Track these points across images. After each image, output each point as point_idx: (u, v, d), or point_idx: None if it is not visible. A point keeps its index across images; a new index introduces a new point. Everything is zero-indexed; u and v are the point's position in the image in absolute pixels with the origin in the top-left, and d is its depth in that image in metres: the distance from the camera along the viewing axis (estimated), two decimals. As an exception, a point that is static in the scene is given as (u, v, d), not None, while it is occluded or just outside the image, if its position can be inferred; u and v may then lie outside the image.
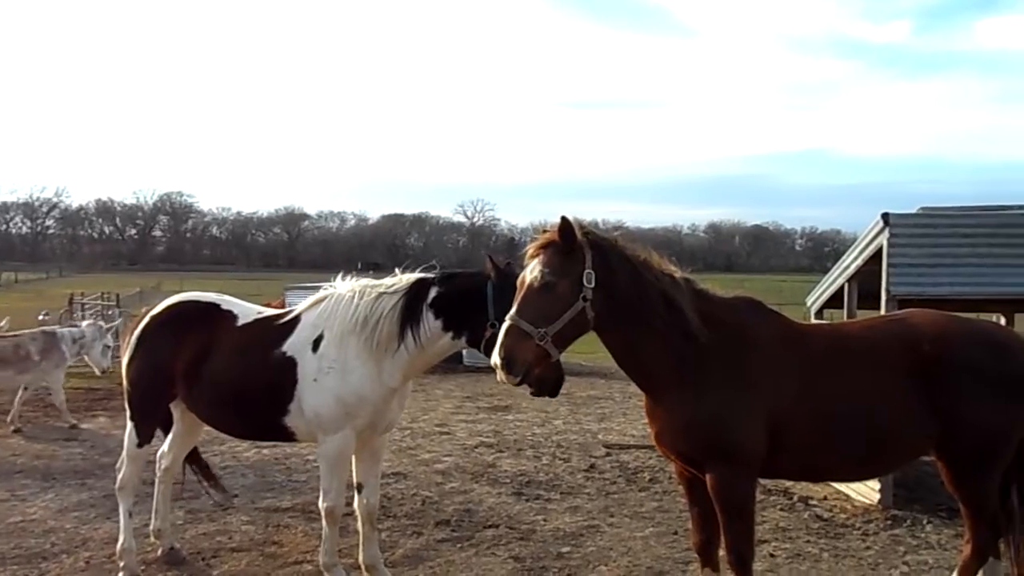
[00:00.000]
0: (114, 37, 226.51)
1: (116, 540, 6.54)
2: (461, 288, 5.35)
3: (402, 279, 5.54)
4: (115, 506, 7.51)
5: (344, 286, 5.67)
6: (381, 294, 5.44)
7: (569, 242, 4.32)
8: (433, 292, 5.37)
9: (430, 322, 5.32)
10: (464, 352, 15.81)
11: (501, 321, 4.91)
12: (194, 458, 6.66)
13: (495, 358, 4.22)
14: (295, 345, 5.53)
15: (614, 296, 4.36)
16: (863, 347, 4.62)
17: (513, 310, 4.29)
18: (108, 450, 10.13)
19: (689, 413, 4.42)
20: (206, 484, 6.74)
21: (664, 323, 4.40)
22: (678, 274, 4.56)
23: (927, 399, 4.47)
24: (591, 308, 4.31)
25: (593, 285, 4.30)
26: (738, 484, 4.43)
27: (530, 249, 4.45)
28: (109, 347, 12.85)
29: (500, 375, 4.26)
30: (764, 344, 4.52)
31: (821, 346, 4.64)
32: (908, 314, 4.89)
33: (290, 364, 5.48)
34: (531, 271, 4.34)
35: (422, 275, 5.53)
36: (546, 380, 4.49)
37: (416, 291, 5.40)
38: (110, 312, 25.79)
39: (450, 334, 5.33)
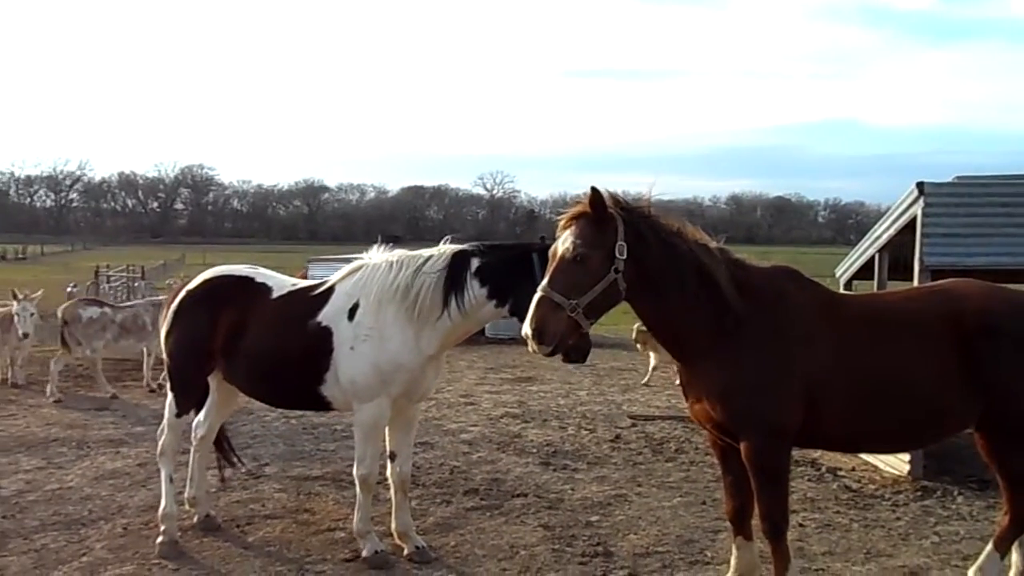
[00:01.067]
0: (135, 10, 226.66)
1: (152, 508, 6.69)
2: (507, 257, 5.38)
3: (442, 250, 5.57)
4: (149, 474, 7.69)
5: (379, 256, 5.71)
6: (422, 265, 5.46)
7: (600, 213, 4.29)
8: (475, 262, 5.40)
9: (475, 290, 5.35)
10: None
11: None
12: (220, 438, 6.70)
13: (526, 328, 4.21)
14: (330, 315, 5.57)
15: (647, 267, 4.33)
16: (904, 318, 4.56)
17: (544, 281, 4.29)
18: (140, 419, 10.31)
19: (724, 382, 4.40)
20: (223, 465, 6.82)
21: (698, 293, 4.37)
22: (712, 244, 4.53)
23: (970, 371, 4.41)
24: (623, 280, 4.30)
25: (625, 256, 4.28)
26: (773, 453, 4.42)
27: (561, 220, 4.42)
28: None
29: (531, 346, 4.25)
30: (801, 313, 4.47)
31: (860, 316, 4.59)
32: (951, 284, 4.81)
33: (325, 334, 5.52)
34: (563, 243, 4.31)
35: (461, 246, 5.57)
36: (579, 347, 4.50)
37: (458, 261, 5.43)
38: (136, 284, 26.08)
39: (493, 302, 5.36)
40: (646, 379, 13.73)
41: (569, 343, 4.30)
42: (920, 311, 4.57)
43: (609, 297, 4.33)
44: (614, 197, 4.40)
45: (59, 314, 12.22)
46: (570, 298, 4.21)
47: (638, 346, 14.09)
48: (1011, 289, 4.87)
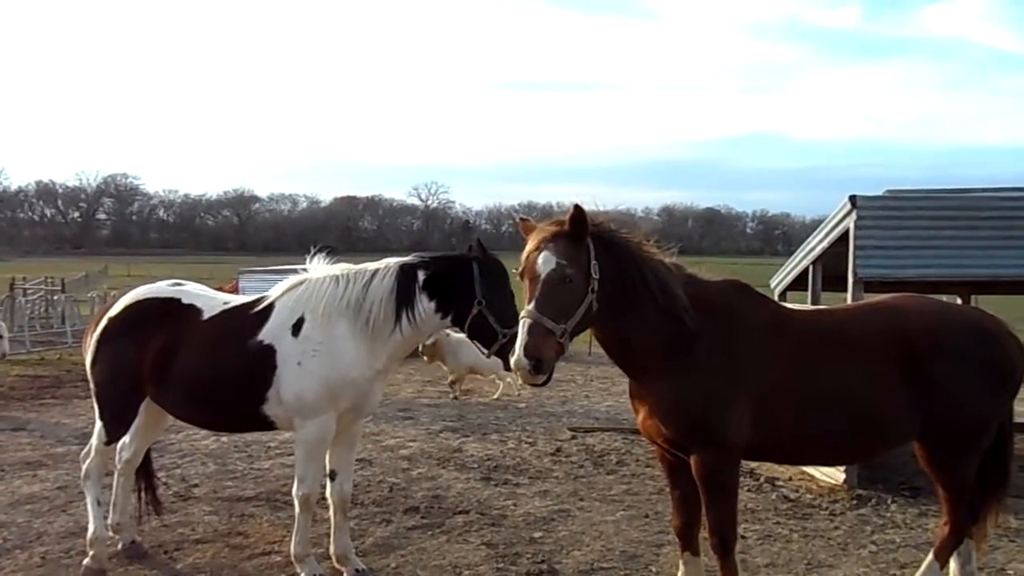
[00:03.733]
0: (54, 10, 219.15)
1: (74, 534, 6.36)
2: (448, 269, 5.36)
3: (387, 263, 5.50)
4: (70, 498, 7.30)
5: (322, 270, 5.57)
6: (370, 279, 5.36)
7: (581, 233, 4.14)
8: (422, 275, 5.35)
9: (424, 304, 5.32)
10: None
11: (488, 300, 5.02)
12: (144, 468, 6.35)
13: (520, 358, 3.94)
14: (272, 331, 5.39)
15: (616, 285, 4.24)
16: (850, 333, 4.61)
17: (531, 306, 4.03)
18: (60, 439, 9.81)
19: (675, 398, 4.36)
20: (146, 499, 6.41)
21: (659, 309, 4.32)
22: (668, 259, 4.49)
23: (914, 387, 4.47)
24: (596, 300, 4.17)
25: (599, 276, 4.17)
26: (723, 468, 4.40)
27: (533, 239, 4.21)
28: None
29: (525, 377, 4.02)
30: (751, 328, 4.47)
31: (808, 331, 4.62)
32: (896, 300, 4.88)
33: (268, 351, 5.34)
34: (544, 263, 4.07)
35: (406, 259, 5.51)
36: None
37: (406, 274, 5.36)
38: (55, 297, 25.03)
39: (440, 314, 5.35)
40: (454, 394, 13.55)
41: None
42: (866, 328, 4.62)
43: (586, 319, 4.18)
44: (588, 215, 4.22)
45: None
46: (559, 323, 4.01)
47: (424, 358, 13.69)
48: (953, 305, 4.98)
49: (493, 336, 5.17)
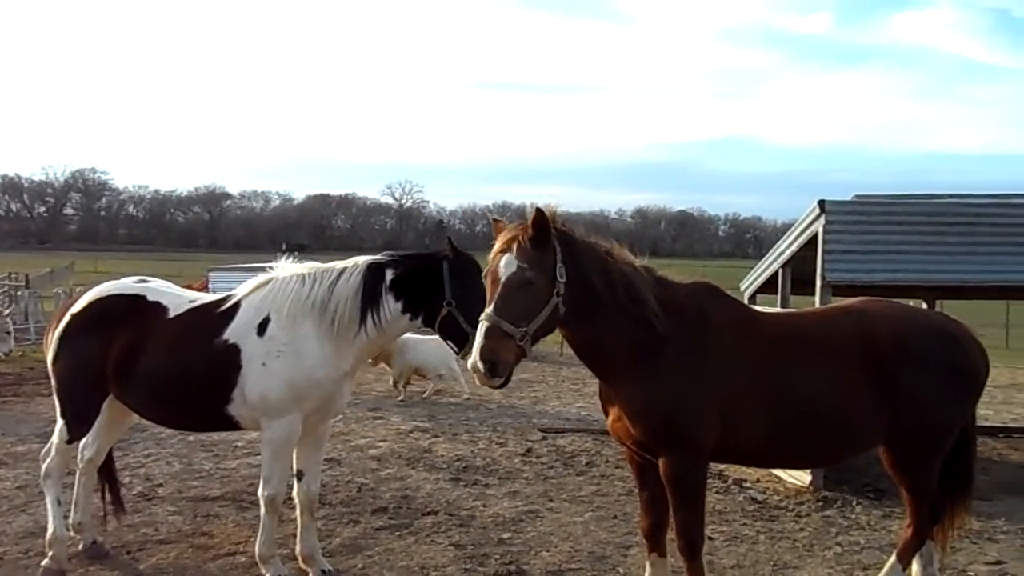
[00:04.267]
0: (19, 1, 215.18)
1: (33, 534, 6.25)
2: (417, 268, 5.30)
3: (355, 262, 5.43)
4: (30, 498, 7.17)
5: (288, 269, 5.50)
6: (336, 279, 5.29)
7: (544, 235, 4.13)
8: (390, 274, 5.29)
9: (390, 304, 5.26)
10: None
11: (457, 300, 4.91)
12: (106, 467, 6.24)
13: (476, 361, 3.95)
14: (237, 331, 5.32)
15: (582, 289, 4.23)
16: (819, 337, 4.65)
17: (490, 309, 4.03)
18: (21, 438, 9.63)
19: (645, 400, 4.37)
20: (108, 499, 6.31)
21: (628, 314, 4.32)
22: (638, 263, 4.49)
23: (880, 391, 4.53)
24: (563, 303, 4.16)
25: (565, 279, 4.16)
26: (691, 470, 4.41)
27: (498, 242, 4.21)
28: None
29: (481, 379, 4.01)
30: (720, 331, 4.49)
31: (777, 335, 4.65)
32: (863, 305, 4.93)
33: (233, 351, 5.27)
34: (505, 266, 4.08)
35: (374, 258, 5.44)
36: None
37: (373, 274, 5.29)
38: (19, 293, 24.61)
39: (408, 316, 5.28)
40: (400, 396, 13.15)
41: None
42: (834, 332, 4.67)
43: (551, 322, 4.17)
44: (552, 218, 4.24)
45: None
46: (519, 326, 4.00)
47: (369, 360, 13.37)
48: (918, 310, 5.06)
49: (465, 336, 5.05)
